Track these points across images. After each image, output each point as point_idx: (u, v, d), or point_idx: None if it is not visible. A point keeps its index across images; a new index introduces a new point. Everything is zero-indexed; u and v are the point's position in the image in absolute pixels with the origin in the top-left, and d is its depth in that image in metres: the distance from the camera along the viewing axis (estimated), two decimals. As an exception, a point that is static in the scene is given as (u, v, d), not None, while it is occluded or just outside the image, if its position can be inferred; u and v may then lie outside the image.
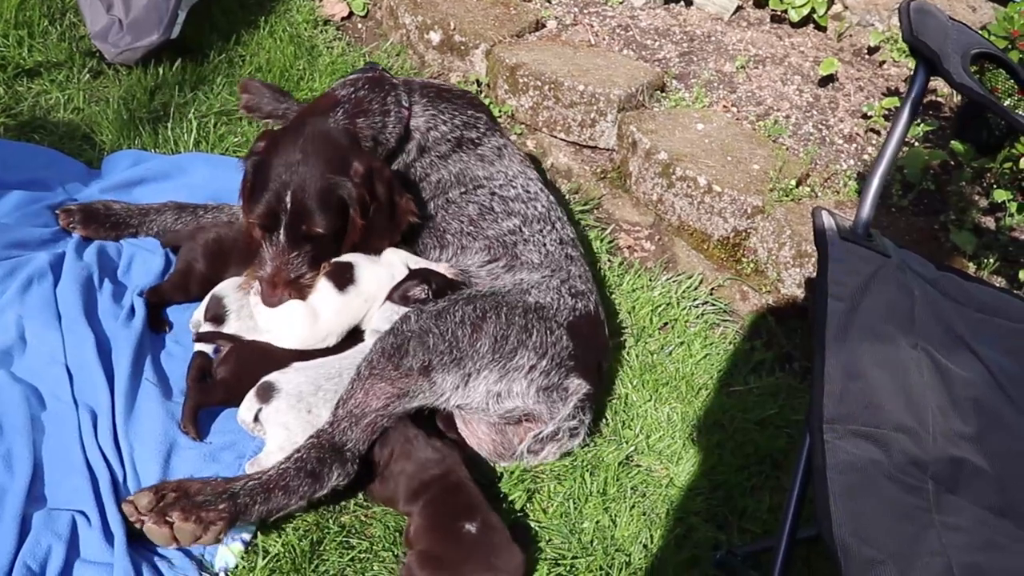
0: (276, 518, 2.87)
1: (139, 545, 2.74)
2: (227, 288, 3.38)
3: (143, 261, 3.60)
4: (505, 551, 2.76)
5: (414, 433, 3.00)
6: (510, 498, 3.11)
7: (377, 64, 3.97)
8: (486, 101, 4.79)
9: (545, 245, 3.53)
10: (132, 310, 3.39)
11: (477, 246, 3.53)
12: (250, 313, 3.31)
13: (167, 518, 2.66)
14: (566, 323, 3.27)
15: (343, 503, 2.99)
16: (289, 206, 3.21)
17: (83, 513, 2.77)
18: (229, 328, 3.31)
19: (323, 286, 3.29)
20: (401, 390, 2.98)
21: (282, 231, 3.25)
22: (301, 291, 3.28)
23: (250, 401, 3.04)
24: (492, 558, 2.75)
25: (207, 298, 3.37)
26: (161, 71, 4.39)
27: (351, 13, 5.29)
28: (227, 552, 2.80)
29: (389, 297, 3.29)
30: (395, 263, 3.38)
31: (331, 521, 2.94)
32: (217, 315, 3.32)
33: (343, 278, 3.30)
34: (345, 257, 3.37)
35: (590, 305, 3.43)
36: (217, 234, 3.52)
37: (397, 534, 2.92)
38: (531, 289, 3.34)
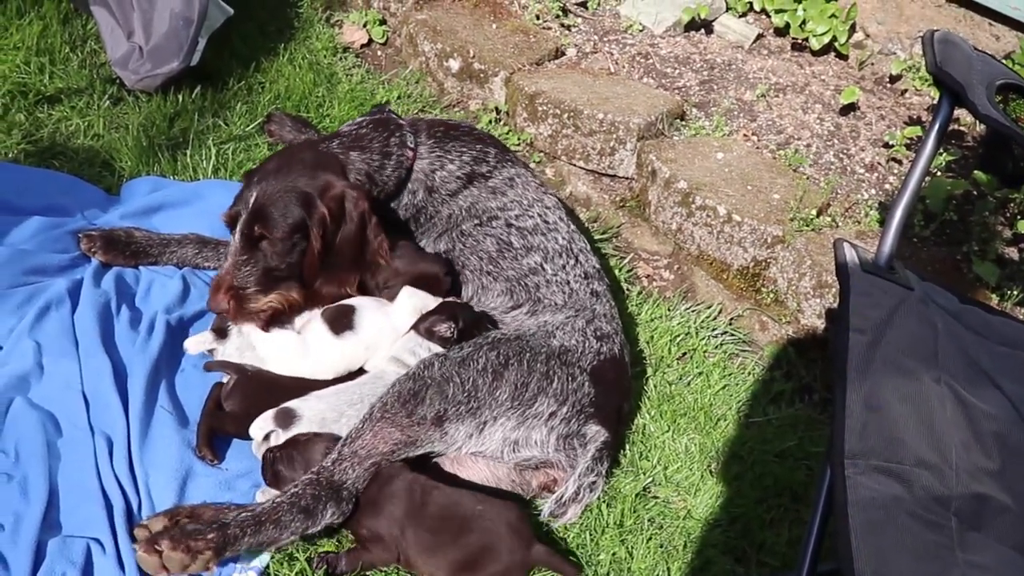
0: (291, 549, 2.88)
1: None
2: None
3: (162, 286, 3.60)
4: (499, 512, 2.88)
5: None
6: (526, 530, 3.08)
7: (386, 106, 3.97)
8: (504, 129, 4.80)
9: (569, 283, 3.50)
10: (149, 335, 3.39)
11: (498, 288, 3.51)
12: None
13: (156, 547, 2.67)
14: (589, 368, 3.24)
15: (358, 533, 2.97)
16: (250, 206, 3.22)
17: (98, 541, 2.78)
18: (231, 345, 3.30)
19: (318, 327, 3.28)
20: (410, 438, 2.97)
21: (236, 232, 3.26)
22: (243, 308, 3.25)
23: (265, 421, 3.04)
24: (493, 537, 2.84)
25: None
26: (181, 98, 4.40)
27: (371, 40, 5.30)
28: (242, 581, 2.81)
29: (415, 327, 3.27)
30: (404, 307, 3.35)
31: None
32: (220, 328, 3.34)
33: (340, 322, 3.28)
34: (350, 301, 3.37)
35: (615, 348, 3.39)
36: None
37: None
38: (556, 331, 3.31)
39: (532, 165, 4.67)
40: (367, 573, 2.88)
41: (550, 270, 3.52)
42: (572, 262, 3.56)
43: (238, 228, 3.25)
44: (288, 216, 3.23)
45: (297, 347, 3.25)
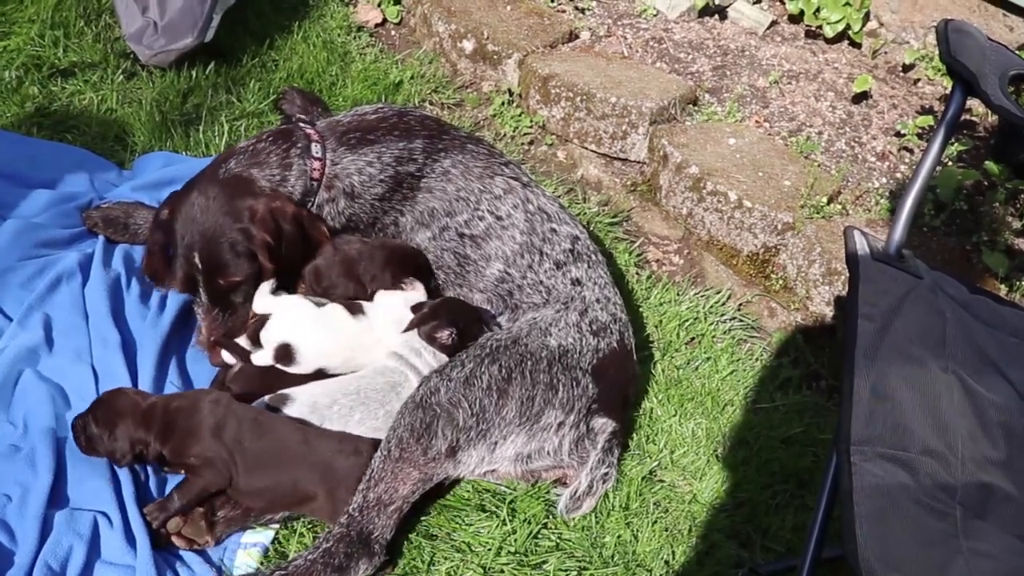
0: (296, 526, 2.89)
1: (160, 548, 2.76)
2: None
3: (171, 261, 3.59)
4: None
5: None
6: (531, 512, 3.09)
7: (294, 116, 4.06)
8: (517, 111, 4.79)
9: (542, 282, 3.41)
10: (160, 311, 3.40)
11: (476, 298, 3.46)
12: None
13: None
14: (591, 368, 3.18)
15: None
16: (200, 266, 3.20)
17: (105, 514, 2.78)
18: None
19: (338, 311, 3.27)
20: (427, 475, 2.93)
21: (202, 291, 3.25)
22: (236, 332, 3.26)
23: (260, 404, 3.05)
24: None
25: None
26: (194, 74, 4.40)
27: (385, 20, 5.28)
28: (247, 557, 2.81)
29: (416, 328, 3.24)
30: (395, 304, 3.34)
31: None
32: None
33: (354, 307, 3.28)
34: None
35: (613, 340, 3.30)
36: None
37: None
38: (550, 328, 3.22)
39: (544, 148, 4.67)
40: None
41: (517, 274, 3.43)
42: (538, 258, 3.44)
43: (202, 290, 3.25)
44: (240, 257, 3.20)
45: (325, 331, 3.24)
